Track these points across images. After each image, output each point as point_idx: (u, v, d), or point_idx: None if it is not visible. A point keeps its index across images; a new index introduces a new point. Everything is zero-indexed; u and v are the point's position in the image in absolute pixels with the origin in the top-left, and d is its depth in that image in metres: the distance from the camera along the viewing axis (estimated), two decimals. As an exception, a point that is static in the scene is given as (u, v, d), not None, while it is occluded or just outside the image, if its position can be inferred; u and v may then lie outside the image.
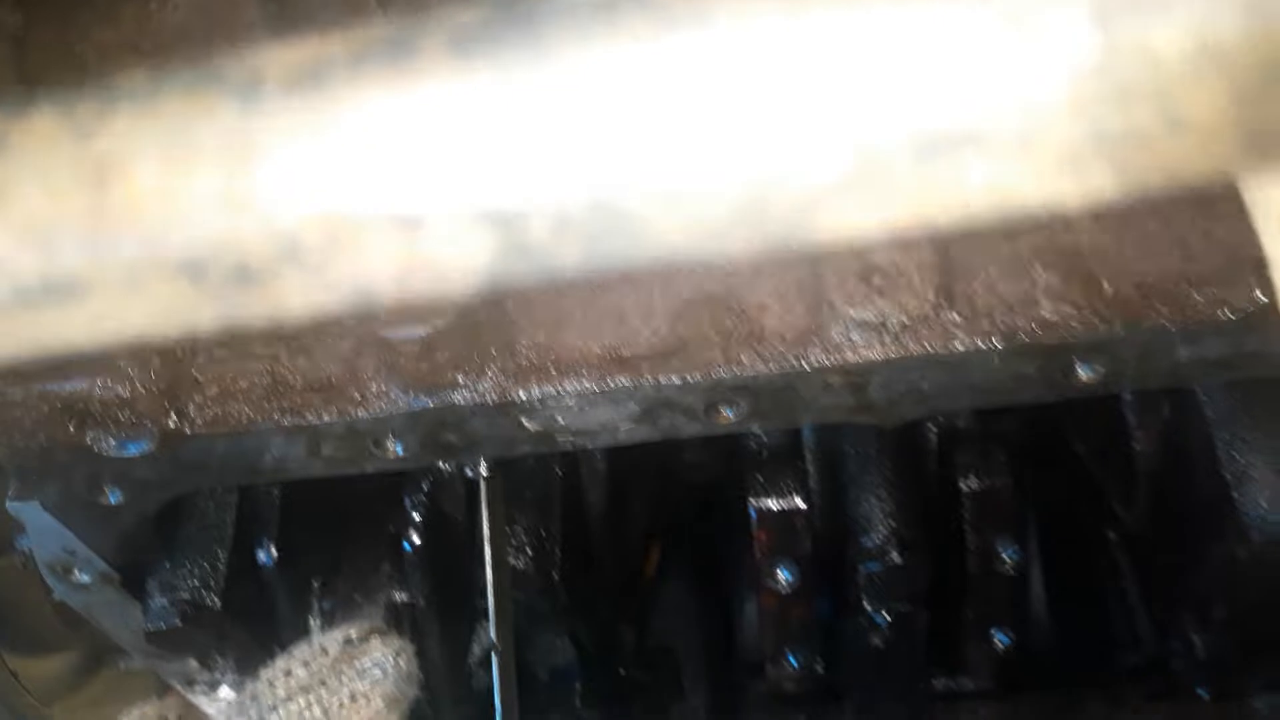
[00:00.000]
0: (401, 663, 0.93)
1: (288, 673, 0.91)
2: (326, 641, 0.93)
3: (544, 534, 1.00)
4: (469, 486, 1.02)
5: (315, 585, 1.06)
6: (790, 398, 0.83)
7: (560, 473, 1.09)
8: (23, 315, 0.28)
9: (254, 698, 0.90)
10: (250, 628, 1.05)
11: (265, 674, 0.92)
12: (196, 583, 1.00)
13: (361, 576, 1.05)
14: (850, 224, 0.25)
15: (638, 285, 0.87)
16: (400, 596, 1.05)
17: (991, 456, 0.97)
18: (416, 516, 1.03)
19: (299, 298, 0.27)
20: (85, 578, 1.03)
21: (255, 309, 0.28)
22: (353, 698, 0.90)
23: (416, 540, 1.03)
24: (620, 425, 0.85)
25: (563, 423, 0.85)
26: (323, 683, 0.90)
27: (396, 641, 0.93)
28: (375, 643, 0.93)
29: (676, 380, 0.81)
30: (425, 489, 1.04)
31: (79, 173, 0.27)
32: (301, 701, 0.89)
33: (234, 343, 0.90)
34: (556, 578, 1.00)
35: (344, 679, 0.90)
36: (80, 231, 0.27)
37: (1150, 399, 1.02)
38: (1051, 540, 1.27)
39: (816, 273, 0.82)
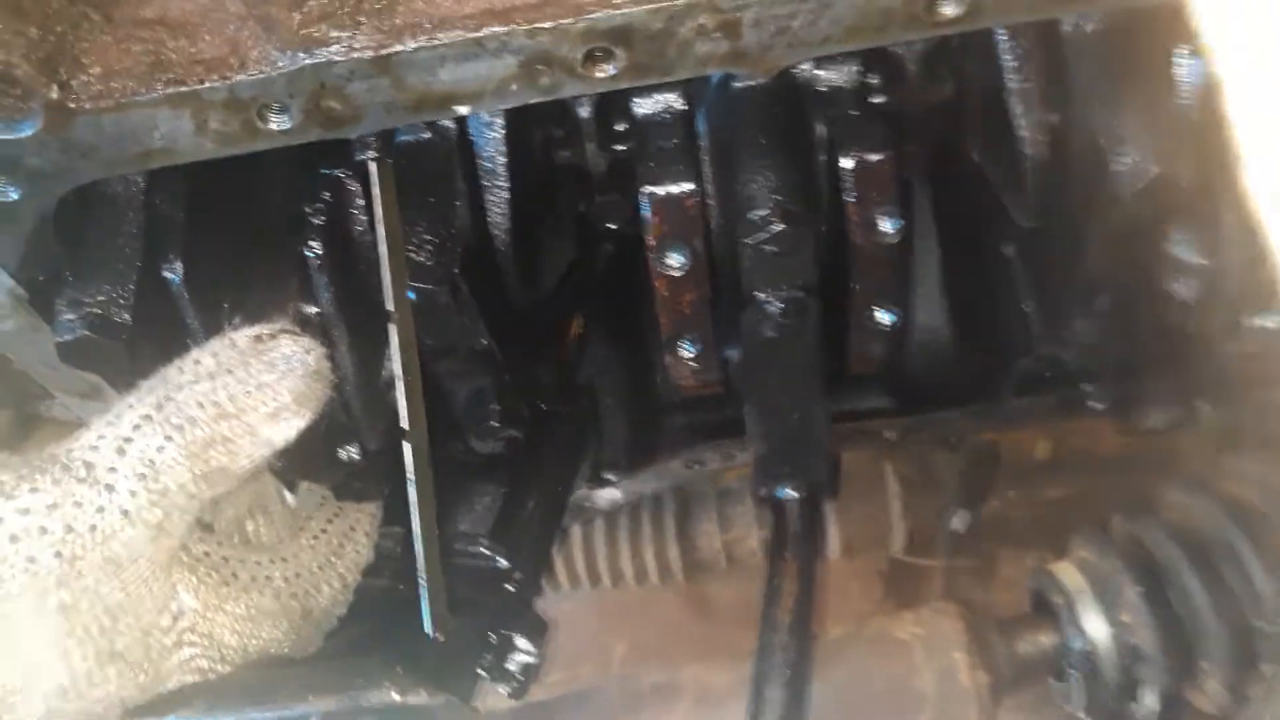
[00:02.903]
0: (310, 360, 0.95)
1: (197, 361, 0.94)
2: (238, 336, 0.96)
3: (445, 233, 1.02)
4: (368, 185, 1.03)
5: (225, 302, 1.08)
6: (665, 44, 0.85)
7: (465, 188, 1.11)
8: None
9: (163, 380, 0.93)
10: (163, 348, 1.08)
11: (177, 361, 0.95)
12: (104, 298, 1.01)
13: (270, 292, 1.07)
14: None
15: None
16: (309, 309, 1.07)
17: (872, 132, 0.99)
18: (318, 222, 1.05)
19: None
20: (-7, 296, 1.05)
21: None
22: (259, 387, 0.92)
23: (319, 249, 1.05)
24: (499, 82, 0.86)
25: (442, 79, 0.86)
26: (229, 371, 0.93)
27: (307, 341, 0.96)
28: (285, 339, 0.96)
29: (549, 24, 0.83)
30: (325, 196, 1.06)
31: None
32: (206, 386, 0.91)
33: (115, 28, 0.90)
34: (458, 274, 1.02)
35: (251, 370, 0.93)
36: None
37: (1033, 84, 1.05)
38: (953, 255, 1.32)
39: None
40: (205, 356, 0.93)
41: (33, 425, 1.29)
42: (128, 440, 0.86)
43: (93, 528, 0.82)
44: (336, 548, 1.10)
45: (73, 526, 0.81)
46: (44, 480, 0.82)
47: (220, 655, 0.94)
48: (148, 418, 0.87)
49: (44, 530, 0.80)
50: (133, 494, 0.84)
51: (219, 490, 0.90)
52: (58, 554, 0.80)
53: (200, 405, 0.88)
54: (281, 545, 1.06)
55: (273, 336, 0.95)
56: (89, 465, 0.84)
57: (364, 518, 1.14)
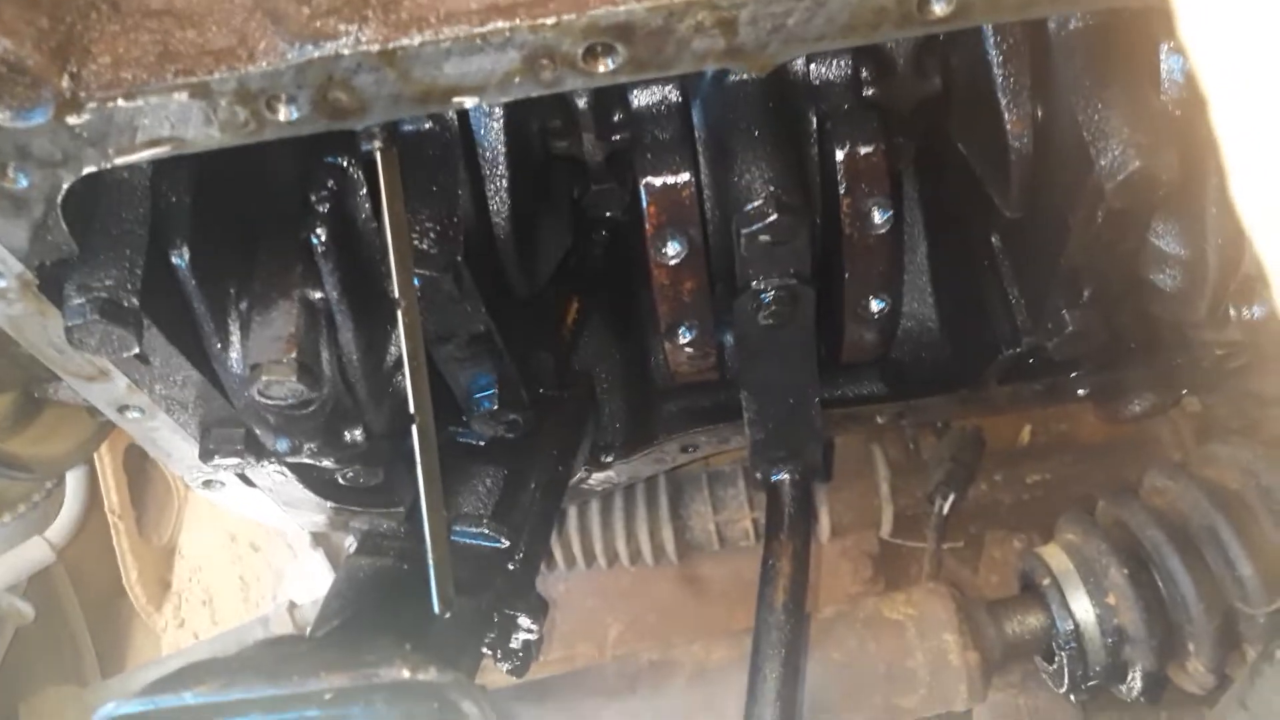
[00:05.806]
0: None
1: None
2: None
3: (448, 220, 1.04)
4: (370, 174, 1.05)
5: (231, 287, 1.10)
6: (664, 40, 0.87)
7: (465, 176, 1.13)
8: None
9: None
10: (171, 331, 1.10)
11: None
12: (113, 283, 1.03)
13: (276, 276, 1.09)
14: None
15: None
16: (314, 294, 1.09)
17: (864, 124, 1.02)
18: (322, 210, 1.06)
19: None
20: (3, 282, 1.07)
21: None
22: None
23: (324, 236, 1.07)
24: (502, 75, 0.88)
25: (447, 73, 0.88)
26: None
27: None
28: None
29: (552, 20, 0.85)
30: (330, 184, 1.07)
31: None
32: None
33: (123, 18, 0.92)
34: (461, 261, 1.04)
35: None
36: None
37: (1019, 78, 1.07)
38: (941, 244, 1.34)
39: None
40: None
41: (39, 407, 1.31)
42: None
43: None
44: None
45: None
46: None
47: None
48: None
49: None
50: None
51: None
52: None
53: None
54: None
55: None
56: None
57: None
